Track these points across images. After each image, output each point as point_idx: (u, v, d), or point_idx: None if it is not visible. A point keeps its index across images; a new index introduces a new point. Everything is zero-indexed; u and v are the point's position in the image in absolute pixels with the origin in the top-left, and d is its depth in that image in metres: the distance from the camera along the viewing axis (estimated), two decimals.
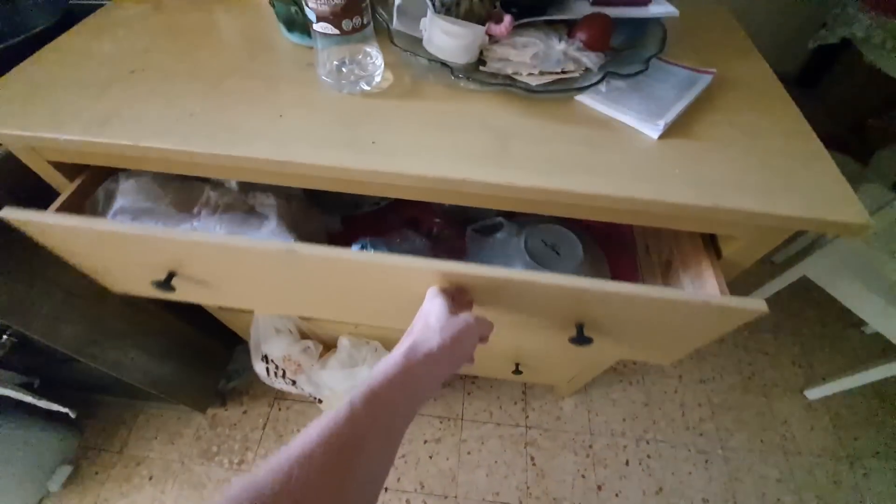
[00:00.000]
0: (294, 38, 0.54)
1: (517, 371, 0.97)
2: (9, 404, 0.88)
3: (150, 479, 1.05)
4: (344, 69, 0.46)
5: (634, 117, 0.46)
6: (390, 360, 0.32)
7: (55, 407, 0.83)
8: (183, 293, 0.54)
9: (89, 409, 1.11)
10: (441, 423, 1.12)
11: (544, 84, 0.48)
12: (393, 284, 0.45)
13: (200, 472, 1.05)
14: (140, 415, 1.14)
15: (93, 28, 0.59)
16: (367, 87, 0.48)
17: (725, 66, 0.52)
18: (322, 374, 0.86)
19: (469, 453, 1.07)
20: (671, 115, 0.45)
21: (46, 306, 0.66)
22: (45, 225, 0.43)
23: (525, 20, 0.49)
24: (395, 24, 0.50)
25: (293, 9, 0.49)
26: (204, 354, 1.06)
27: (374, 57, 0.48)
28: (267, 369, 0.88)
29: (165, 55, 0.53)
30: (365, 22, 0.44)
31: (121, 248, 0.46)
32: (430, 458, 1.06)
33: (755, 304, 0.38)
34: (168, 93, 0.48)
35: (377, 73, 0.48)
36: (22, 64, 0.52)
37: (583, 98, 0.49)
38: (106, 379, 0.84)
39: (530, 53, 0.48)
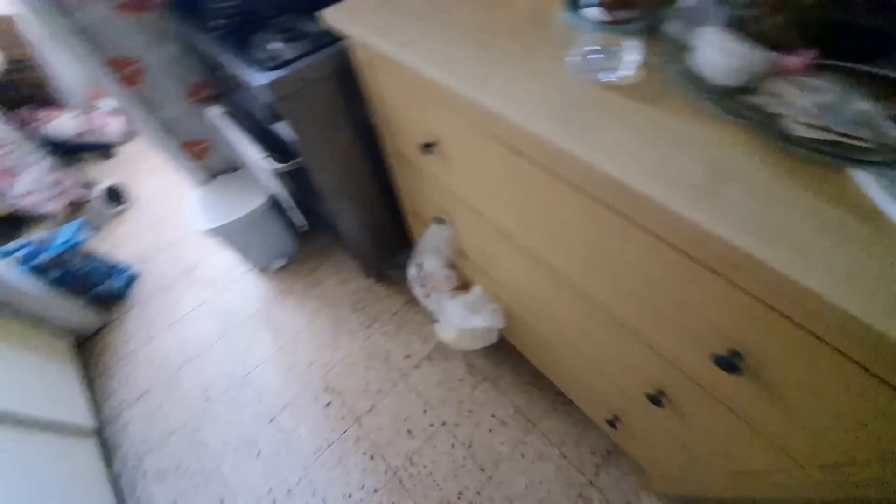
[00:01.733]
0: (568, 18, 0.58)
1: (612, 424, 0.89)
2: (275, 203, 1.33)
3: (317, 299, 1.44)
4: (591, 56, 0.48)
5: None
6: None
7: (298, 219, 1.21)
8: (432, 163, 0.74)
9: (311, 232, 1.57)
10: (515, 413, 1.14)
11: (815, 139, 0.39)
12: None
13: (343, 316, 1.39)
14: (334, 255, 1.54)
15: None
16: (602, 79, 0.49)
17: None
18: (447, 303, 0.99)
19: (522, 456, 1.07)
20: None
21: (323, 154, 0.95)
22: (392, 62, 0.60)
23: (831, 62, 0.40)
24: (671, 27, 0.48)
25: None
26: (387, 240, 1.33)
27: (629, 52, 0.48)
28: (415, 275, 1.06)
29: (469, 5, 0.65)
30: (635, 17, 0.44)
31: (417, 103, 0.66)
32: (490, 431, 1.11)
33: None
34: (455, 38, 0.59)
35: (623, 67, 0.49)
36: None
37: (859, 175, 0.38)
38: (329, 219, 1.17)
39: (816, 100, 0.40)
